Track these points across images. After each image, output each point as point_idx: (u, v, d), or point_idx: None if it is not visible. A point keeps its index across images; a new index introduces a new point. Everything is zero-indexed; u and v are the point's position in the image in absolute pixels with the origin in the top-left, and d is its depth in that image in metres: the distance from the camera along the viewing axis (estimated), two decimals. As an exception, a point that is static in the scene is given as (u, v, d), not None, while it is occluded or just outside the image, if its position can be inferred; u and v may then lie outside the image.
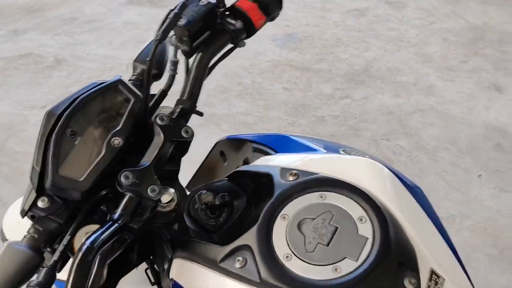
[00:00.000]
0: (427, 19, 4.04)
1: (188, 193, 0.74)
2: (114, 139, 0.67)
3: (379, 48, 3.55)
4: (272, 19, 0.81)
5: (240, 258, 0.60)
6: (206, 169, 0.99)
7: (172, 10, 0.70)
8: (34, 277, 0.61)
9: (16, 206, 0.99)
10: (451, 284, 0.61)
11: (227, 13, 0.75)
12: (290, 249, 0.59)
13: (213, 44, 0.74)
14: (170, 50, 0.76)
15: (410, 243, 0.60)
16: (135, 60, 0.81)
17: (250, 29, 0.77)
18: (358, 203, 0.62)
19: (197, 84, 0.73)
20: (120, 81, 0.70)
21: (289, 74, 3.18)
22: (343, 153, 0.75)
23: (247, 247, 0.60)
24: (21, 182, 2.26)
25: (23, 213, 0.65)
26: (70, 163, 0.64)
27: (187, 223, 0.69)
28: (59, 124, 0.64)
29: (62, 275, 0.60)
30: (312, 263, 0.57)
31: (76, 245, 0.66)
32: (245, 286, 0.58)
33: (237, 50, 0.82)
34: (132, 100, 0.69)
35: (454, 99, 3.00)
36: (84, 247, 0.56)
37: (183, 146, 0.71)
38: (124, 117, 0.68)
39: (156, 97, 0.76)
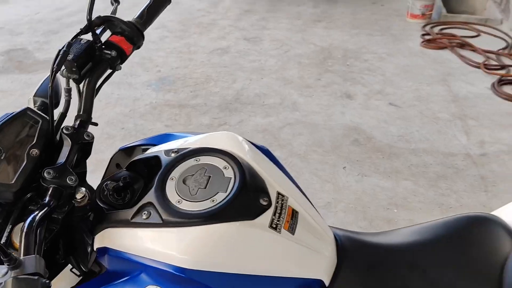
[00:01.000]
0: (282, 48, 4.57)
1: None
2: (32, 151, 0.85)
3: (245, 79, 3.95)
4: (138, 47, 1.05)
5: (145, 212, 0.82)
6: None
7: (61, 49, 0.91)
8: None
9: None
10: (293, 200, 0.89)
11: (103, 46, 0.98)
12: (180, 196, 0.83)
13: (97, 70, 0.96)
14: (63, 81, 0.97)
15: (260, 177, 0.87)
16: (35, 95, 1.00)
17: (123, 56, 1.00)
18: (222, 158, 0.88)
19: (88, 101, 0.94)
20: (28, 109, 0.90)
21: (168, 112, 3.43)
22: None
23: (149, 204, 0.83)
24: None
25: None
26: (0, 173, 0.82)
27: (100, 205, 0.89)
28: None
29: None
30: (196, 201, 0.81)
31: (15, 240, 0.83)
32: (153, 229, 0.81)
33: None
34: (41, 121, 0.89)
35: (315, 110, 3.45)
36: (27, 223, 0.74)
37: (86, 148, 0.92)
38: (37, 134, 0.88)
39: (57, 119, 0.96)
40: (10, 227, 0.83)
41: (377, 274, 0.94)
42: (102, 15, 0.98)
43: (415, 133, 3.14)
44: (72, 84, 0.96)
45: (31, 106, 1.00)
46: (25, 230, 0.74)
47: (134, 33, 1.01)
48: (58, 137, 0.93)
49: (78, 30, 0.95)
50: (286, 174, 0.98)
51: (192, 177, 0.86)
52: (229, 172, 0.86)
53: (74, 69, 0.92)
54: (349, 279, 0.91)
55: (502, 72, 3.99)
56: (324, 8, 5.83)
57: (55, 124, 0.93)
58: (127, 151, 1.09)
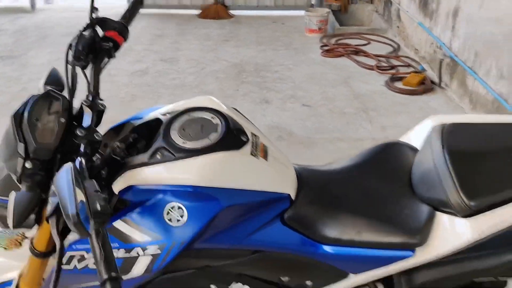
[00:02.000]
0: (198, 66, 4.89)
1: None
2: (60, 119, 1.09)
3: (169, 94, 4.21)
4: (125, 40, 1.32)
5: (159, 153, 1.09)
6: None
7: (71, 43, 1.16)
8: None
9: None
10: (263, 138, 1.21)
11: (102, 40, 1.24)
12: (183, 139, 1.10)
13: (99, 58, 1.21)
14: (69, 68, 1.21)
15: (238, 123, 1.18)
16: (45, 84, 1.23)
17: (116, 47, 1.26)
18: (208, 112, 1.18)
19: (96, 81, 1.18)
20: (50, 90, 1.13)
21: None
22: None
23: (160, 148, 1.09)
24: None
25: (19, 177, 1.02)
26: (39, 136, 1.05)
27: (116, 157, 1.14)
28: (26, 116, 1.04)
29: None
30: (197, 140, 1.10)
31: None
32: (168, 163, 1.07)
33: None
34: (61, 98, 1.13)
35: (238, 116, 3.79)
36: (77, 161, 0.98)
37: (99, 116, 1.17)
38: (61, 107, 1.11)
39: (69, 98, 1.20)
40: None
41: (327, 189, 1.28)
42: (99, 17, 1.24)
43: (328, 126, 3.60)
44: (79, 71, 1.20)
45: (41, 92, 1.23)
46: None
47: (123, 29, 1.28)
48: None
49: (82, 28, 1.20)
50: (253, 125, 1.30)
51: (188, 126, 1.15)
52: (216, 120, 1.16)
53: (82, 57, 1.17)
54: (308, 194, 1.24)
55: (392, 71, 4.64)
56: (230, 29, 6.27)
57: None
58: (117, 129, 1.34)
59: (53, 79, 1.21)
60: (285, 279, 1.27)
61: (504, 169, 1.16)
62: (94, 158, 1.08)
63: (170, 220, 1.06)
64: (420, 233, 1.15)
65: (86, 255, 1.11)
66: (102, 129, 1.22)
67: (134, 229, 1.08)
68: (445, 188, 1.14)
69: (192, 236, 1.06)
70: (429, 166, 1.22)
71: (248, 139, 1.15)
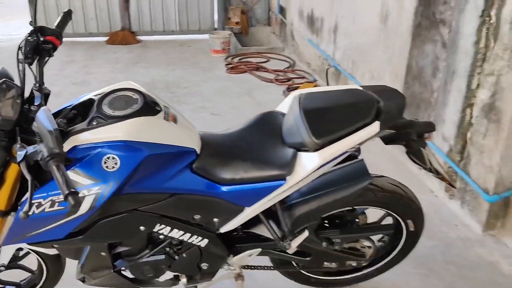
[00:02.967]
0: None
1: None
2: (17, 100, 1.41)
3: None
4: (61, 43, 1.67)
5: (95, 121, 1.45)
6: None
7: (20, 45, 1.51)
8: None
9: None
10: (174, 111, 1.62)
11: (43, 43, 1.59)
12: (112, 110, 1.47)
13: (42, 57, 1.56)
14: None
15: (153, 98, 1.58)
16: None
17: (55, 48, 1.62)
18: (130, 90, 1.56)
19: (41, 73, 1.53)
20: (5, 80, 1.45)
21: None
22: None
23: (95, 117, 1.45)
24: None
25: None
26: (3, 112, 1.38)
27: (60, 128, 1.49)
28: None
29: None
30: (123, 109, 1.47)
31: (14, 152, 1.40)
32: (102, 127, 1.44)
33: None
34: (15, 87, 1.46)
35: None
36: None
37: (46, 99, 1.52)
38: (15, 92, 1.45)
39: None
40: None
41: (223, 145, 1.71)
42: (39, 25, 1.60)
43: (234, 129, 4.06)
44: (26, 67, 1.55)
45: None
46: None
47: (58, 34, 1.65)
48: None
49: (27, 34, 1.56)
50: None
51: (115, 101, 1.53)
52: (136, 96, 1.55)
53: (29, 55, 1.52)
54: (209, 149, 1.65)
55: (289, 82, 5.26)
56: (138, 52, 6.61)
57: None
58: (56, 114, 1.68)
59: (3, 75, 1.54)
60: (197, 217, 1.67)
61: (339, 118, 1.66)
62: None
63: (107, 167, 1.43)
64: (288, 166, 1.61)
65: (42, 202, 1.43)
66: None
67: (80, 176, 1.43)
68: (302, 135, 1.62)
69: (124, 177, 1.44)
70: (292, 122, 1.70)
71: (161, 109, 1.56)
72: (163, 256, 1.76)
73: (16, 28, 7.74)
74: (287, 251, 1.80)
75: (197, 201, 1.64)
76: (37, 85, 1.50)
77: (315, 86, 4.93)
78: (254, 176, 1.62)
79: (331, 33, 4.81)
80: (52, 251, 1.75)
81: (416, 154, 1.79)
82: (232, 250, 1.83)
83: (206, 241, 1.73)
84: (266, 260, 2.05)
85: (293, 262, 2.03)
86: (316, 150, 1.62)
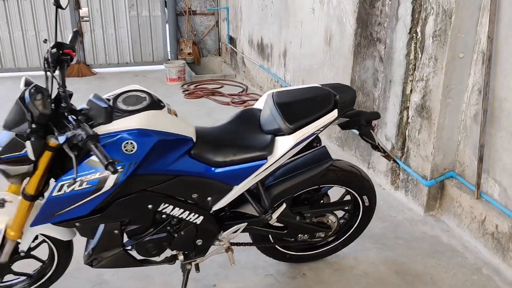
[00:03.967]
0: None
1: None
2: (47, 99, 1.71)
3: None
4: (76, 55, 1.98)
5: (115, 115, 1.79)
6: None
7: (45, 57, 1.81)
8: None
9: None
10: (175, 109, 1.98)
11: (62, 55, 1.89)
12: (126, 106, 1.82)
13: (63, 66, 1.87)
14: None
15: (158, 97, 1.93)
16: (25, 85, 1.83)
17: (71, 59, 1.93)
18: (138, 91, 1.90)
19: (63, 79, 1.82)
20: (36, 85, 1.75)
21: None
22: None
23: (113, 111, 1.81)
24: None
25: (28, 134, 1.65)
26: (38, 108, 1.68)
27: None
28: (27, 97, 1.68)
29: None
30: (135, 105, 1.80)
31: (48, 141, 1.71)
32: (119, 119, 1.76)
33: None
34: (44, 89, 1.76)
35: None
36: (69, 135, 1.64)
37: (70, 98, 1.83)
38: (45, 93, 1.75)
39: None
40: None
41: (213, 135, 2.07)
42: (59, 41, 1.92)
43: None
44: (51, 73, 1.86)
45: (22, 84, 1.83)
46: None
47: (73, 48, 1.98)
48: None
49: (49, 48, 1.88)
50: None
51: (128, 99, 1.86)
52: (144, 95, 1.89)
53: (53, 65, 1.84)
54: (203, 138, 2.01)
55: (244, 104, 5.69)
56: (96, 83, 6.86)
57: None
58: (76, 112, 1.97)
59: (29, 82, 1.84)
60: (194, 196, 2.01)
61: (306, 108, 2.08)
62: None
63: (126, 150, 1.76)
64: (268, 148, 2.00)
65: (71, 182, 1.74)
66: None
67: None
68: (278, 122, 2.02)
69: (141, 158, 1.77)
70: (268, 113, 2.10)
71: (165, 105, 1.92)
72: (165, 234, 2.07)
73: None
74: (269, 222, 2.17)
75: (195, 182, 1.98)
76: (61, 89, 1.82)
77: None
78: (241, 157, 1.99)
79: (281, 58, 5.31)
80: (66, 236, 2.03)
81: (367, 135, 2.24)
82: (222, 227, 2.18)
83: (201, 218, 2.06)
84: (247, 238, 2.41)
85: (271, 237, 2.39)
86: (290, 133, 2.02)
